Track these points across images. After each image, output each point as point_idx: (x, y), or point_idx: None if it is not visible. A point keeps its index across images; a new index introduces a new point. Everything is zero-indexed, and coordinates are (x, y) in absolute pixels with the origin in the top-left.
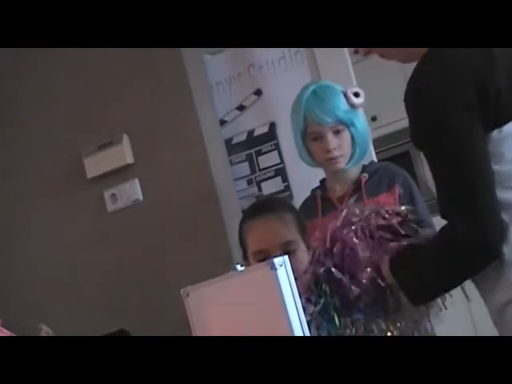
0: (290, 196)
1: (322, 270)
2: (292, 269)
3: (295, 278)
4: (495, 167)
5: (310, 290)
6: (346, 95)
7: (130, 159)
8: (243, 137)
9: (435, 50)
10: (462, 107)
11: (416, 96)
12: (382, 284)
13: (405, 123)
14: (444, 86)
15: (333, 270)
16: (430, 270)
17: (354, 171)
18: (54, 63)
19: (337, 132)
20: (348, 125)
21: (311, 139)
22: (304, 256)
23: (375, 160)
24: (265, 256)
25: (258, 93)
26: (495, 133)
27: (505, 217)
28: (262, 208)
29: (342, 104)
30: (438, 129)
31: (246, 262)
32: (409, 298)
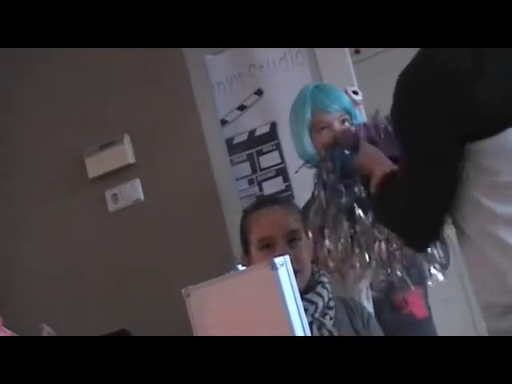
0: (291, 196)
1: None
2: (296, 259)
3: (296, 272)
4: (480, 179)
5: None
6: (346, 92)
7: (131, 159)
8: (244, 137)
9: (431, 50)
10: (435, 116)
11: (398, 87)
12: None
13: None
14: (424, 90)
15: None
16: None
17: None
18: (54, 63)
19: (343, 122)
20: (352, 116)
21: (318, 130)
22: (307, 246)
23: None
24: (268, 242)
25: (259, 93)
26: (477, 145)
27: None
28: (267, 200)
29: (345, 97)
30: (404, 125)
31: (246, 259)
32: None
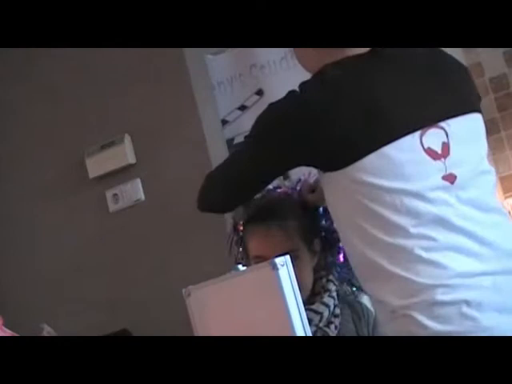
0: None
1: None
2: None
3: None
4: (345, 204)
5: None
6: None
7: (131, 159)
8: None
9: (301, 83)
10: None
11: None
12: None
13: None
14: (290, 119)
15: None
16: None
17: None
18: (55, 63)
19: None
20: None
21: None
22: (306, 264)
23: None
24: (263, 260)
25: (260, 93)
26: (338, 174)
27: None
28: (265, 213)
29: None
30: (260, 136)
31: (247, 261)
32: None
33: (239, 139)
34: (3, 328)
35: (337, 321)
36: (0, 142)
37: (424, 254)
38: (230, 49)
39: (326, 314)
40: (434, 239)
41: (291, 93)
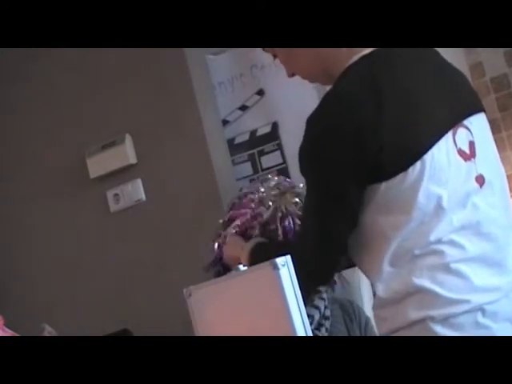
0: None
1: None
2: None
3: None
4: (381, 217)
5: None
6: None
7: (132, 159)
8: (246, 137)
9: (335, 91)
10: (338, 163)
11: (307, 129)
12: None
13: None
14: (329, 137)
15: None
16: None
17: None
18: (56, 63)
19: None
20: None
21: None
22: None
23: None
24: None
25: (261, 93)
26: (383, 186)
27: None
28: None
29: None
30: (311, 173)
31: None
32: None
33: (240, 139)
34: (4, 328)
35: (327, 323)
36: (0, 142)
37: (452, 264)
38: (230, 49)
39: (316, 316)
40: (462, 247)
41: (327, 109)
